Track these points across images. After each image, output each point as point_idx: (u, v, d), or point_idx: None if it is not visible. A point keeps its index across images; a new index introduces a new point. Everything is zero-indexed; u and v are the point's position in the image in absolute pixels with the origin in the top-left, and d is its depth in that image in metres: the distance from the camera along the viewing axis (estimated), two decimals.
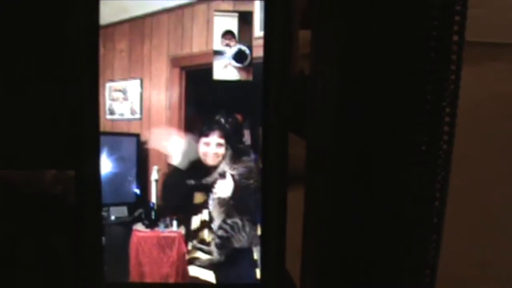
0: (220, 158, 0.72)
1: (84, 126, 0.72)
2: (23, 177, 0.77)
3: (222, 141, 0.72)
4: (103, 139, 0.72)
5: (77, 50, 0.71)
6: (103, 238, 0.73)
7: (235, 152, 0.72)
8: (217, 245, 0.73)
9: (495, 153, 0.85)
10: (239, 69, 0.71)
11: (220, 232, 0.73)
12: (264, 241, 0.73)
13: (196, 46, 0.71)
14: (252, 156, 0.72)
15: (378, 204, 0.69)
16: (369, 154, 0.68)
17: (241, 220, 0.73)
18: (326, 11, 0.69)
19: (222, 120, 0.71)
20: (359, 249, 0.70)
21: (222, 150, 0.72)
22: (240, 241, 0.73)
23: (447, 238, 0.70)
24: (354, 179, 0.69)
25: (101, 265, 0.73)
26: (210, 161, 0.73)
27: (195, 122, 0.72)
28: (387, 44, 0.65)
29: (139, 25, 0.71)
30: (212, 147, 0.72)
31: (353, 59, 0.67)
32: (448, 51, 0.65)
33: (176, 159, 0.72)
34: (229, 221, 0.73)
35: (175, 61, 0.71)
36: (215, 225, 0.73)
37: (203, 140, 0.72)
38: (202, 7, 0.70)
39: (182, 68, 0.72)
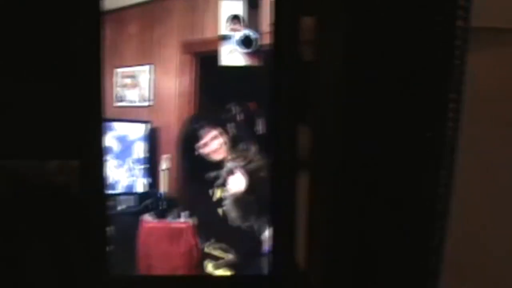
0: (223, 154, 0.71)
1: (88, 114, 0.70)
2: (25, 168, 0.75)
3: (222, 137, 0.71)
4: (110, 126, 0.71)
5: (80, 36, 0.69)
6: (111, 229, 0.71)
7: (238, 145, 0.71)
8: (233, 245, 0.72)
9: (505, 138, 0.85)
10: (246, 54, 0.70)
11: (237, 232, 0.72)
12: (273, 233, 0.72)
13: (207, 32, 0.69)
14: (253, 148, 0.71)
15: (381, 188, 0.68)
16: (373, 141, 0.68)
17: (258, 217, 0.71)
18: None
19: (233, 109, 0.70)
20: (364, 235, 0.70)
21: (223, 144, 0.71)
22: (256, 239, 0.72)
23: (455, 225, 0.70)
24: (358, 166, 0.68)
25: (107, 256, 0.71)
26: (215, 156, 0.71)
27: (206, 110, 0.70)
28: (391, 29, 0.65)
29: (150, 9, 0.69)
30: (213, 143, 0.71)
31: (357, 45, 0.67)
32: (453, 36, 0.65)
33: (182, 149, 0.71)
34: (249, 222, 0.71)
35: (186, 47, 0.70)
36: (232, 222, 0.72)
37: (204, 136, 0.71)
38: None
39: (194, 54, 0.70)
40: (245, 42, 0.69)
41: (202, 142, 0.70)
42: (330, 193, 0.71)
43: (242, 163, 0.71)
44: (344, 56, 0.67)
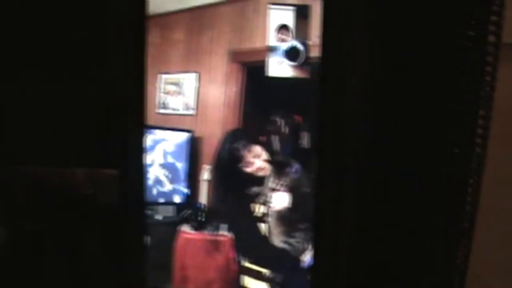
0: (266, 170, 0.69)
1: (128, 121, 0.68)
2: (53, 175, 0.73)
3: (265, 152, 0.68)
4: (152, 133, 0.68)
5: (122, 40, 0.67)
6: (147, 239, 0.69)
7: (281, 159, 0.69)
8: (273, 262, 0.70)
9: None
10: (294, 66, 0.67)
11: (280, 249, 0.70)
12: (315, 248, 0.70)
13: (257, 41, 0.67)
14: (296, 166, 0.69)
15: (409, 205, 0.65)
16: (401, 155, 0.65)
17: (301, 234, 0.69)
18: (359, 10, 0.66)
19: (279, 121, 0.68)
20: (389, 251, 0.66)
21: (266, 160, 0.69)
22: (297, 256, 0.70)
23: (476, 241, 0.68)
24: (386, 179, 0.65)
25: (144, 269, 0.69)
26: (258, 173, 0.69)
27: (250, 122, 0.68)
28: (422, 44, 0.62)
29: (199, 15, 0.67)
30: (256, 161, 0.69)
31: (386, 59, 0.64)
32: (484, 52, 0.62)
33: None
34: (291, 240, 0.69)
35: (235, 56, 0.67)
36: (273, 239, 0.70)
37: (246, 155, 0.69)
38: (265, 0, 0.66)
39: (242, 63, 0.68)
40: (292, 53, 0.67)
41: (244, 161, 0.68)
42: (354, 210, 0.69)
43: (285, 180, 0.69)
44: (372, 69, 0.65)
